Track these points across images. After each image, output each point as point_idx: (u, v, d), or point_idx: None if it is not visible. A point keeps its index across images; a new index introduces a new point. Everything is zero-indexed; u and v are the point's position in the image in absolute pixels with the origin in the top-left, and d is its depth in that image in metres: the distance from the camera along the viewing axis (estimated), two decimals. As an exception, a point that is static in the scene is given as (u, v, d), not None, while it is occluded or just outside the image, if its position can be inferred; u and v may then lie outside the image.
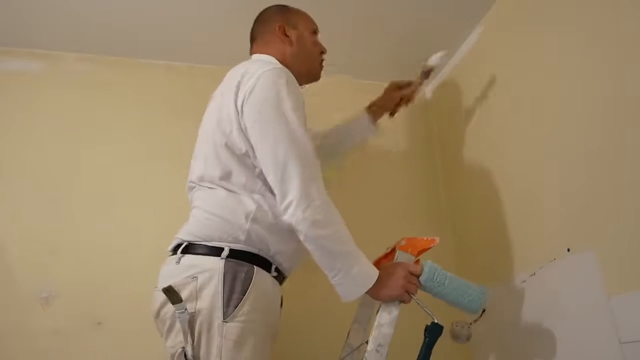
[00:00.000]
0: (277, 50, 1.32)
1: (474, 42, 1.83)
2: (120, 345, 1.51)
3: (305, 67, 1.36)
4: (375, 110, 1.67)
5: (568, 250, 1.31)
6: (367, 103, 1.95)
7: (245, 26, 1.47)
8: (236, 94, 1.14)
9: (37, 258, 1.54)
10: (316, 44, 1.40)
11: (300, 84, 1.38)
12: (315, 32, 1.41)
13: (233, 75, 1.21)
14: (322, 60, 1.42)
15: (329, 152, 1.59)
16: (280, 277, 1.19)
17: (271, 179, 1.09)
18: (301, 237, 1.08)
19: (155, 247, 1.58)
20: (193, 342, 1.02)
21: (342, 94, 2.00)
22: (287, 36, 1.34)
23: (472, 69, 1.84)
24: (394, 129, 2.07)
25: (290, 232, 1.13)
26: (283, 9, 1.40)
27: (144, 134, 1.77)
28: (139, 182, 1.71)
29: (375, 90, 1.73)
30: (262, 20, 1.38)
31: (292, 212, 1.05)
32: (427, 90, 2.18)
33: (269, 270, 1.14)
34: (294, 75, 1.28)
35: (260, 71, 1.14)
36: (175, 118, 1.81)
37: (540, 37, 1.46)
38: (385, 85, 1.72)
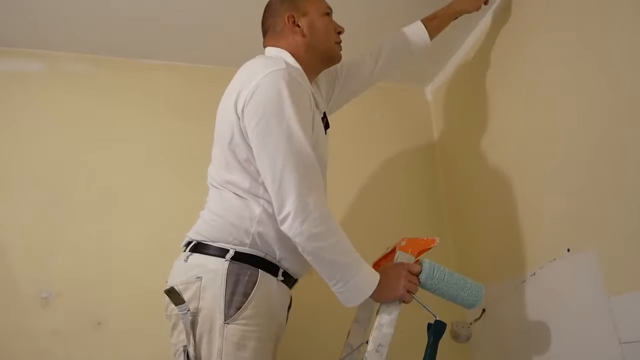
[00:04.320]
0: (289, 42, 1.26)
1: (474, 42, 1.83)
2: (120, 345, 1.51)
3: (323, 54, 1.29)
4: (447, 17, 1.58)
5: (568, 250, 1.31)
6: (370, 103, 1.96)
7: (246, 26, 1.47)
8: (237, 98, 1.11)
9: (37, 258, 1.54)
10: (330, 26, 1.31)
11: (321, 70, 1.35)
12: (327, 13, 1.32)
13: (238, 76, 1.18)
14: (340, 40, 1.33)
15: (388, 68, 1.54)
16: (289, 281, 1.18)
17: (269, 189, 1.07)
18: (299, 249, 1.06)
19: (155, 247, 1.60)
20: (195, 342, 1.03)
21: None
22: (299, 26, 1.26)
23: (473, 69, 1.84)
24: (394, 129, 2.08)
25: None
26: None
27: (143, 134, 1.77)
28: (138, 182, 1.71)
29: (378, 90, 1.74)
30: (270, 10, 1.31)
31: (290, 225, 1.03)
32: (427, 91, 2.19)
33: (275, 275, 1.13)
34: (312, 64, 1.26)
35: (262, 74, 1.09)
36: (175, 118, 1.81)
37: (540, 37, 1.46)
38: (380, 84, 1.70)
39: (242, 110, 1.10)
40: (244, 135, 1.11)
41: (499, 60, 1.68)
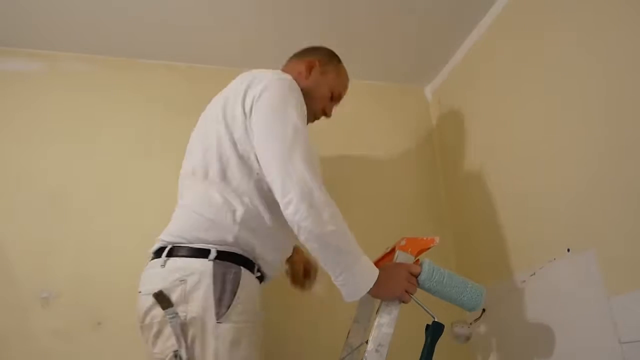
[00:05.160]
0: (295, 74, 1.31)
1: (473, 42, 1.83)
2: (120, 345, 1.50)
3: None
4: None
5: (568, 250, 1.31)
6: (369, 103, 1.95)
7: (244, 27, 1.47)
8: (244, 97, 1.16)
9: (37, 258, 1.54)
10: (325, 102, 1.40)
11: None
12: (334, 96, 1.41)
13: (241, 80, 1.22)
14: (319, 118, 1.42)
15: None
16: (262, 278, 1.20)
17: (274, 177, 1.08)
18: (303, 236, 1.06)
19: (155, 247, 1.59)
20: (187, 345, 1.01)
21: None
22: (310, 73, 1.36)
23: (473, 70, 1.84)
24: (394, 129, 2.08)
25: (274, 241, 1.17)
26: (330, 54, 1.42)
27: (143, 134, 1.77)
28: (138, 182, 1.71)
29: (378, 90, 1.73)
30: (309, 50, 1.43)
31: (295, 209, 1.03)
32: (427, 91, 2.19)
33: (252, 271, 1.14)
34: None
35: (270, 77, 1.17)
36: (175, 118, 1.81)
37: (539, 37, 1.46)
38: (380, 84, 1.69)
39: (251, 109, 1.14)
40: (248, 132, 1.15)
41: (498, 61, 1.68)
